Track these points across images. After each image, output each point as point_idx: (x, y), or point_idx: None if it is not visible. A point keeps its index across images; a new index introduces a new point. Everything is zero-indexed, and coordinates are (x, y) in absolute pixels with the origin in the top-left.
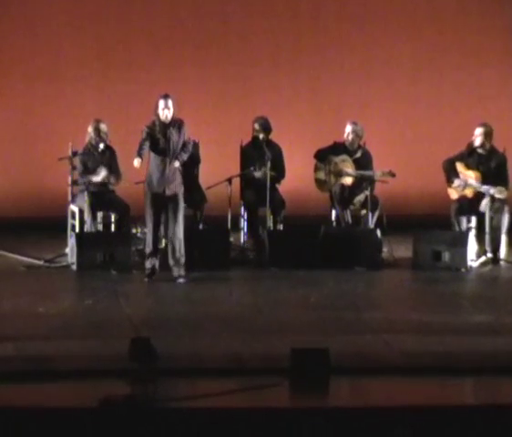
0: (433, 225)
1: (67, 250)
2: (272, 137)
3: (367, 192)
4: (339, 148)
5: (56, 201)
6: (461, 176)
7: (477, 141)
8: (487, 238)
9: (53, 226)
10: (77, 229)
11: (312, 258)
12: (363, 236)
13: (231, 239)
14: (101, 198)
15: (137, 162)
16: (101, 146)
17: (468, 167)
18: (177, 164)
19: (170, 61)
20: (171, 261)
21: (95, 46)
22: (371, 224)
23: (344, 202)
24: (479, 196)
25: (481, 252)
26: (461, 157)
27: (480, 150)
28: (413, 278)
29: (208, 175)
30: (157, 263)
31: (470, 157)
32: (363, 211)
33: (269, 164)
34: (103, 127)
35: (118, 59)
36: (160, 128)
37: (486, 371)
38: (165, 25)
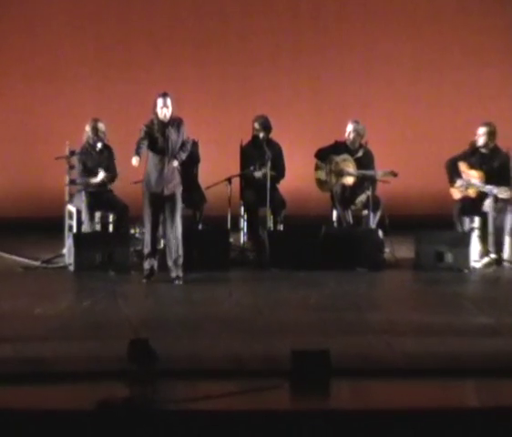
0: (435, 225)
1: (65, 251)
2: (272, 136)
3: (369, 192)
4: (340, 148)
5: (54, 201)
6: (464, 175)
7: (481, 141)
8: (491, 238)
9: (51, 226)
10: (75, 230)
11: (313, 258)
12: (365, 236)
13: (231, 240)
14: (99, 198)
15: (135, 160)
16: (99, 145)
17: (471, 166)
18: (175, 163)
19: (170, 60)
20: (169, 262)
21: (94, 46)
22: (372, 224)
23: (345, 202)
24: (482, 196)
25: (484, 253)
26: (464, 157)
27: (483, 150)
28: (415, 278)
29: (207, 174)
30: (155, 264)
31: (473, 156)
32: (365, 211)
33: (269, 163)
34: (101, 126)
35: (118, 59)
36: (159, 127)
37: (489, 373)
38: (165, 25)
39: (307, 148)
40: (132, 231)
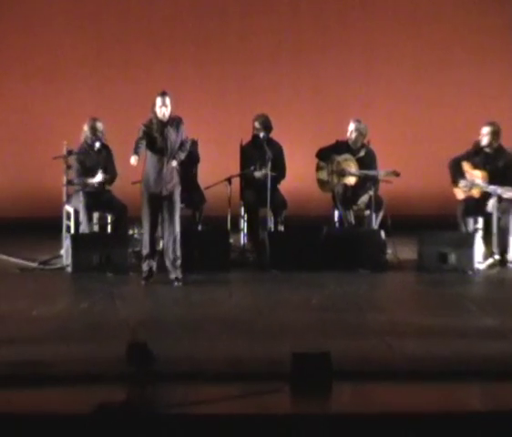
0: (438, 226)
1: (62, 252)
2: (273, 136)
3: (371, 192)
4: (342, 147)
5: (53, 201)
6: (467, 175)
7: (485, 140)
8: (495, 239)
9: (49, 226)
10: (73, 231)
11: (314, 260)
12: (367, 237)
13: (231, 241)
14: (97, 199)
15: (134, 160)
16: (97, 145)
17: (475, 166)
18: (174, 163)
19: (170, 60)
20: (167, 263)
21: (94, 46)
22: (375, 225)
23: (347, 202)
24: (486, 196)
25: (488, 254)
26: (467, 157)
27: (487, 149)
28: (418, 280)
29: (207, 174)
30: (154, 265)
31: (477, 156)
32: (367, 212)
33: (269, 163)
34: (99, 125)
35: (118, 58)
36: (158, 127)
37: (493, 376)
38: (164, 24)
39: (308, 148)
40: (131, 232)
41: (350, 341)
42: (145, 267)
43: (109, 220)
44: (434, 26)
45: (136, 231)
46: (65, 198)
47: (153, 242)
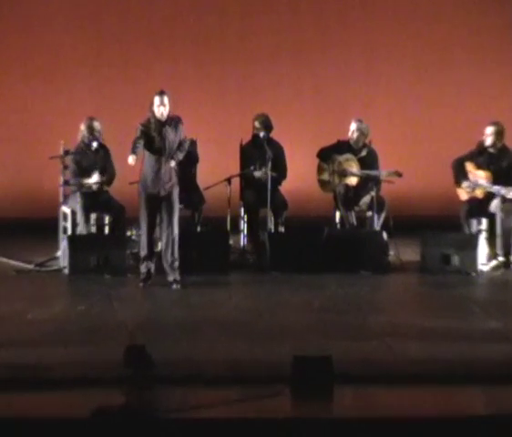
0: (440, 226)
1: (59, 254)
2: (273, 136)
3: (373, 193)
4: (343, 147)
5: (51, 202)
6: (471, 176)
7: (488, 141)
8: (498, 240)
9: (48, 227)
10: (70, 232)
11: (315, 261)
12: (369, 238)
13: (231, 242)
14: (95, 200)
15: (131, 159)
16: (94, 144)
17: (479, 166)
18: (172, 163)
19: (169, 59)
20: (165, 265)
21: (93, 45)
22: (377, 226)
23: (349, 203)
24: (490, 196)
25: (492, 255)
26: (471, 157)
27: (491, 149)
28: (420, 282)
29: (206, 174)
30: (152, 267)
31: (480, 156)
32: (369, 213)
33: (270, 163)
34: (96, 124)
35: (117, 58)
36: (156, 126)
37: (497, 380)
38: (164, 24)
39: (308, 148)
40: (128, 233)
41: (351, 344)
42: (143, 269)
43: (107, 221)
44: (434, 26)
45: (134, 233)
46: (61, 199)
47: (151, 244)
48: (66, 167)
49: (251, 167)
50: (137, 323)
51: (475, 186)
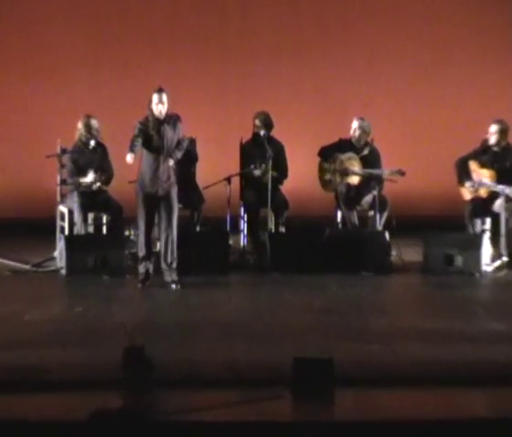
0: (441, 226)
1: (56, 254)
2: (274, 134)
3: (375, 192)
4: (345, 145)
5: (50, 201)
6: (474, 175)
7: (492, 139)
8: (503, 240)
9: (46, 227)
10: (67, 232)
11: (316, 261)
12: (371, 238)
13: (231, 242)
14: (92, 199)
15: (129, 157)
16: (92, 143)
17: (482, 165)
18: (171, 162)
19: (169, 57)
20: (163, 265)
21: (93, 45)
22: (379, 226)
23: (351, 203)
24: (494, 196)
25: (496, 256)
26: (475, 156)
27: (495, 148)
28: (423, 282)
29: (206, 174)
30: (151, 267)
31: (484, 154)
32: (371, 212)
33: (270, 162)
34: (94, 122)
35: (117, 57)
36: (154, 125)
37: (500, 382)
38: (164, 23)
39: (309, 147)
40: (127, 233)
41: (352, 346)
42: (141, 269)
43: (105, 221)
44: (434, 26)
45: (132, 232)
46: (59, 198)
47: (149, 244)
48: (62, 166)
49: (252, 166)
50: (135, 324)
51: (478, 185)
